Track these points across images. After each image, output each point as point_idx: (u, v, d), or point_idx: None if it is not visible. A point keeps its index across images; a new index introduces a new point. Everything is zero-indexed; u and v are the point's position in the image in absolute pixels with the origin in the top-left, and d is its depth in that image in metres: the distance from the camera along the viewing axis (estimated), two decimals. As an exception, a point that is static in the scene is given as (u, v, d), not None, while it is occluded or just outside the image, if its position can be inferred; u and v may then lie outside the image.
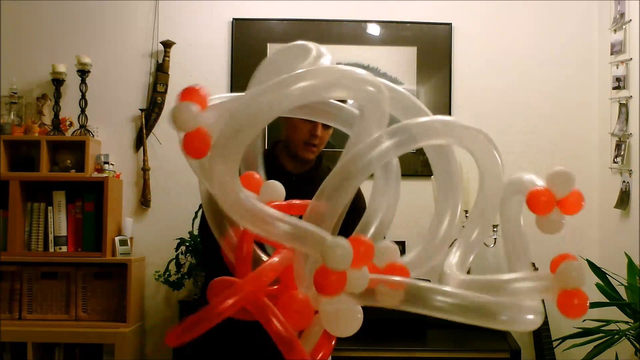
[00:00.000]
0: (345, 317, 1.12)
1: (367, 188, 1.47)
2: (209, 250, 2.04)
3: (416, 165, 3.48)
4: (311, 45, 1.37)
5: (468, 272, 1.40)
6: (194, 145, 1.15)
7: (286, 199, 1.35)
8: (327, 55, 1.36)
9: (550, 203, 1.26)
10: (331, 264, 1.07)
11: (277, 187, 1.35)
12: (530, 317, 1.18)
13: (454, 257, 1.38)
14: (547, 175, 1.29)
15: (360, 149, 1.22)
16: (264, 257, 1.33)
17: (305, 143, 2.02)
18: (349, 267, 1.08)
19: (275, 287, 1.29)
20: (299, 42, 1.41)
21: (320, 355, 1.21)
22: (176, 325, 1.14)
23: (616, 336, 2.83)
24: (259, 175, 1.40)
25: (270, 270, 1.22)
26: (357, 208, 1.36)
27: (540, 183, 1.29)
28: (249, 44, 3.63)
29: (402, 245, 3.51)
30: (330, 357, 1.33)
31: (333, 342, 1.25)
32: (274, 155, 2.13)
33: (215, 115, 1.18)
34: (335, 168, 1.22)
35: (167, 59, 3.59)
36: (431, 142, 1.31)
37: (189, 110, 1.14)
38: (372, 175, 1.45)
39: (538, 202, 1.27)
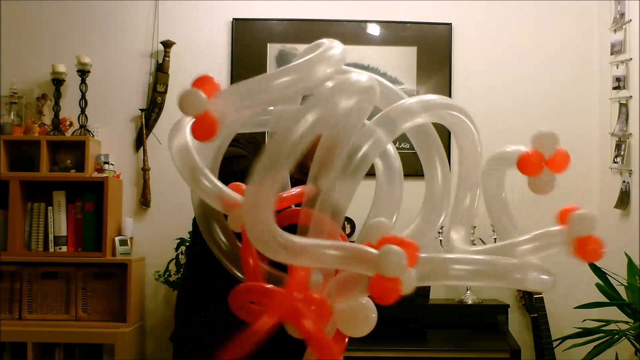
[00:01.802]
0: (359, 316, 1.13)
1: (367, 189, 1.47)
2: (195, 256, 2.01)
3: (416, 165, 3.46)
4: (323, 40, 1.38)
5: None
6: (202, 128, 1.19)
7: None
8: (340, 46, 1.36)
9: (540, 163, 1.34)
10: (389, 272, 1.07)
11: None
12: (544, 276, 1.21)
13: (455, 234, 1.40)
14: (533, 137, 1.36)
15: (355, 142, 1.23)
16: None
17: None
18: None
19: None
20: (314, 43, 1.41)
21: None
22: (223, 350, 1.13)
23: (616, 336, 2.83)
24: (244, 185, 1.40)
25: (304, 273, 1.21)
26: None
27: (524, 149, 1.36)
28: (249, 44, 3.63)
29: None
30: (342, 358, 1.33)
31: (345, 342, 1.25)
32: None
33: (225, 100, 1.21)
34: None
35: (167, 59, 3.59)
36: (412, 122, 1.32)
37: (196, 95, 1.18)
38: (374, 175, 1.46)
39: (528, 164, 1.34)
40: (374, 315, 1.13)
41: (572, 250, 1.23)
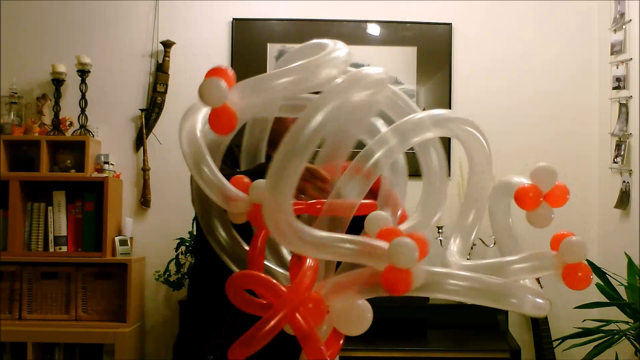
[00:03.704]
0: (355, 315, 1.13)
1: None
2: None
3: (417, 165, 3.47)
4: (327, 41, 1.39)
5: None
6: (221, 121, 1.16)
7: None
8: (344, 48, 1.37)
9: (537, 198, 1.33)
10: (400, 263, 1.09)
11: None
12: (540, 301, 1.21)
13: (454, 245, 1.41)
14: (531, 172, 1.35)
15: (368, 149, 1.27)
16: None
17: None
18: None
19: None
20: (316, 40, 1.43)
21: (328, 354, 1.21)
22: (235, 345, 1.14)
23: (616, 336, 2.83)
24: (247, 178, 1.38)
25: (312, 277, 1.20)
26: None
27: (527, 182, 1.35)
28: (249, 44, 3.63)
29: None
30: (337, 357, 1.33)
31: (341, 342, 1.25)
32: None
33: (240, 94, 1.19)
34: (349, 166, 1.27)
35: (167, 59, 3.59)
36: (423, 137, 1.36)
37: (217, 86, 1.14)
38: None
39: (526, 198, 1.33)
40: (369, 314, 1.14)
41: (561, 276, 1.23)
